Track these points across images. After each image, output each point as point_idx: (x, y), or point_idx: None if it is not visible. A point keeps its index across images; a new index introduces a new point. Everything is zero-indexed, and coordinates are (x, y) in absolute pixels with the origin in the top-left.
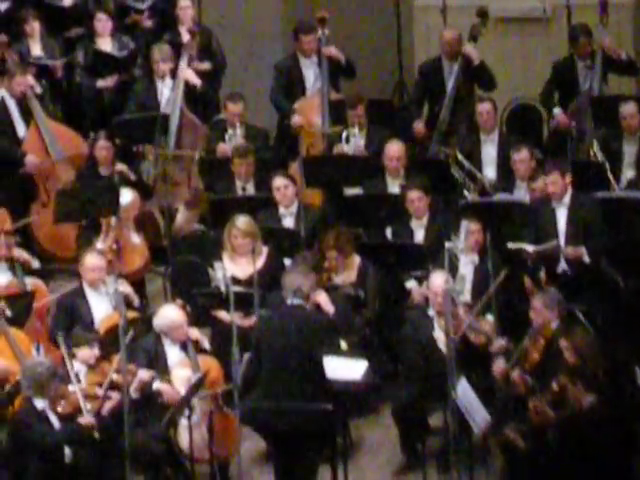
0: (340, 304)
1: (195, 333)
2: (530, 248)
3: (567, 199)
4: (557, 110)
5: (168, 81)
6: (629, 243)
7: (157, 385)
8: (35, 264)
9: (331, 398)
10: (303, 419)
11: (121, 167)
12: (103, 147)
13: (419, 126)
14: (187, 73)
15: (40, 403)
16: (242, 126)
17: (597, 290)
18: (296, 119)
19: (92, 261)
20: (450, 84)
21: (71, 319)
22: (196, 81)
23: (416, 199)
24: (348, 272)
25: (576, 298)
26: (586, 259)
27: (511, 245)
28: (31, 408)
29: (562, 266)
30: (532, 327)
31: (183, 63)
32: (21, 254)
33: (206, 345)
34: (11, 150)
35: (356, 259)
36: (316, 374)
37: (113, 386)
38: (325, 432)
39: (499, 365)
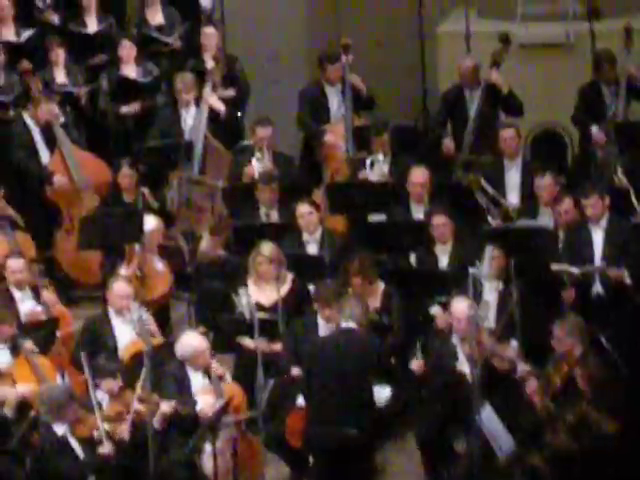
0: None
1: (218, 368)
2: (575, 270)
3: (604, 222)
4: (595, 129)
5: (192, 109)
6: None
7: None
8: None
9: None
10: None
11: (145, 191)
12: (126, 175)
13: (448, 143)
14: (211, 99)
15: (60, 429)
16: (269, 151)
17: (627, 315)
18: (329, 137)
19: (121, 288)
20: (473, 111)
21: (95, 344)
22: (220, 107)
23: (441, 224)
24: (372, 298)
25: (605, 323)
26: (628, 281)
27: (555, 267)
28: (51, 435)
29: (596, 289)
30: (555, 354)
31: (207, 90)
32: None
33: (228, 379)
34: (38, 170)
35: (380, 285)
36: (365, 397)
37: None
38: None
39: (532, 385)
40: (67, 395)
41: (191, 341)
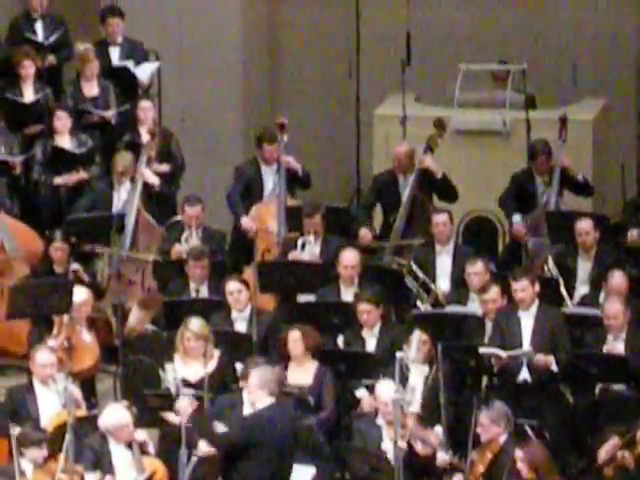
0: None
1: (141, 435)
2: (503, 354)
3: (534, 309)
4: (517, 217)
5: (126, 183)
6: (581, 358)
7: None
8: None
9: None
10: None
11: (76, 267)
12: (58, 248)
13: (364, 234)
14: (145, 172)
15: None
16: (198, 229)
17: (551, 403)
18: (245, 222)
19: (43, 357)
20: (405, 195)
21: (18, 414)
22: (154, 180)
23: (365, 312)
24: (305, 375)
25: (529, 410)
26: (554, 368)
27: (483, 350)
28: None
29: (523, 375)
30: (481, 442)
31: (142, 164)
32: None
33: (151, 449)
34: None
35: (314, 363)
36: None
37: None
38: None
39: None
40: None
41: (114, 414)
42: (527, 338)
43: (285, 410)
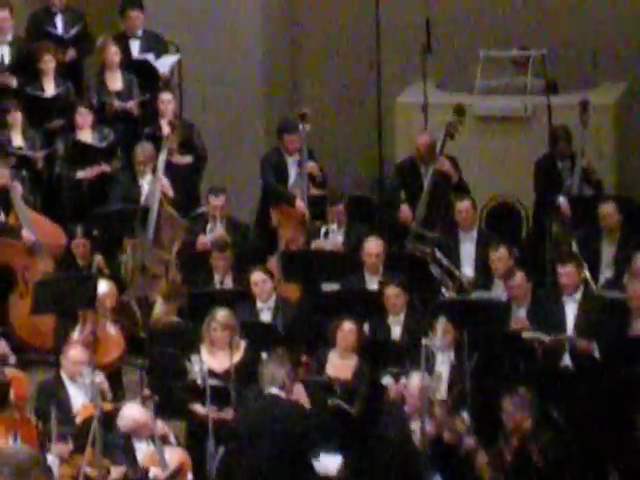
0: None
1: (162, 427)
2: (546, 338)
3: (579, 294)
4: (562, 198)
5: (148, 175)
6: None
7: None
8: (12, 359)
9: None
10: None
11: (98, 259)
12: (79, 243)
13: (405, 210)
14: (163, 182)
15: None
16: (223, 220)
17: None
18: (299, 203)
19: (75, 354)
20: (426, 183)
21: (51, 408)
22: (169, 192)
23: (393, 296)
24: (345, 369)
25: (571, 396)
26: (596, 354)
27: (526, 334)
28: None
29: (565, 361)
30: (506, 428)
31: (162, 156)
32: (1, 346)
33: (172, 440)
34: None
35: (355, 358)
36: (298, 466)
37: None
38: None
39: (481, 460)
40: (33, 460)
41: (132, 414)
42: (570, 323)
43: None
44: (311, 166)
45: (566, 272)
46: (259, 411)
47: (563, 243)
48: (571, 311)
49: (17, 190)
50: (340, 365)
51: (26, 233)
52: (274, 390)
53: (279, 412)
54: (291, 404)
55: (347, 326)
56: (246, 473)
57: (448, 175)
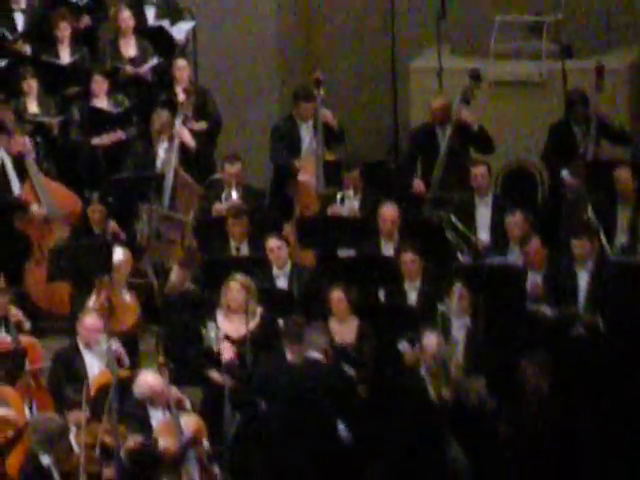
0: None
1: (176, 393)
2: (549, 311)
3: (591, 265)
4: (565, 173)
5: (164, 142)
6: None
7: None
8: (27, 325)
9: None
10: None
11: (113, 225)
12: (95, 210)
13: (418, 183)
14: (183, 133)
15: (46, 459)
16: (238, 187)
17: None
18: (302, 176)
19: (92, 322)
20: (443, 147)
21: (68, 376)
22: (191, 142)
23: (410, 261)
24: (348, 332)
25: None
26: (601, 328)
27: (530, 307)
28: (36, 464)
29: (578, 330)
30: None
31: (178, 122)
32: (16, 314)
33: (187, 405)
34: (10, 200)
35: (355, 320)
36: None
37: (104, 447)
38: None
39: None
40: (62, 429)
41: (147, 381)
42: (583, 293)
43: (318, 367)
44: (327, 115)
45: (579, 244)
46: (301, 373)
47: (577, 213)
48: (584, 280)
49: (32, 158)
50: (341, 330)
51: (36, 208)
52: (315, 355)
53: (319, 375)
54: (330, 368)
55: (335, 294)
56: (279, 433)
57: (468, 125)
